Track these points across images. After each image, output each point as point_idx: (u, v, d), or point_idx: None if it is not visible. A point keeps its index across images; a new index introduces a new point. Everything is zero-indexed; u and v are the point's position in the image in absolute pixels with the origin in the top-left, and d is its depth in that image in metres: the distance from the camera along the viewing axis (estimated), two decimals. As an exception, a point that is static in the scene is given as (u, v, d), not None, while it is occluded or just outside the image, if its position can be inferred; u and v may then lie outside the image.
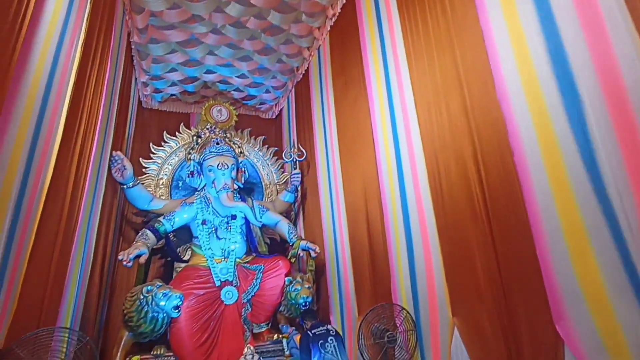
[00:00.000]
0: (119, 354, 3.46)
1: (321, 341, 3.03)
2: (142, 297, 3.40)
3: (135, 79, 5.34)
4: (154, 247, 4.23)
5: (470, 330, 2.39)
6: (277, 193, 5.27)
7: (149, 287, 3.45)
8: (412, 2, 3.15)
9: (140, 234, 4.04)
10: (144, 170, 4.93)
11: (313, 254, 4.19)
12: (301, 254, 4.35)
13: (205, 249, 4.27)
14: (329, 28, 4.85)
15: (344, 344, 3.23)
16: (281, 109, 6.65)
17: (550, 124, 1.99)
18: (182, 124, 5.41)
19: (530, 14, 2.08)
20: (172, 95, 6.15)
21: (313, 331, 3.13)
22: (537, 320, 1.98)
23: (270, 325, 4.24)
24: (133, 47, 4.86)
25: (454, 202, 2.59)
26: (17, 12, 1.87)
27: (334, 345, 3.03)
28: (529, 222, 2.05)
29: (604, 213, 1.72)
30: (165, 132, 5.22)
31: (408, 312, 2.91)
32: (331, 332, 3.14)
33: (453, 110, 2.66)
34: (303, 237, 4.66)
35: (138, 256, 3.62)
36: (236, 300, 3.98)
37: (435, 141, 2.81)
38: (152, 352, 3.70)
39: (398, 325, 2.90)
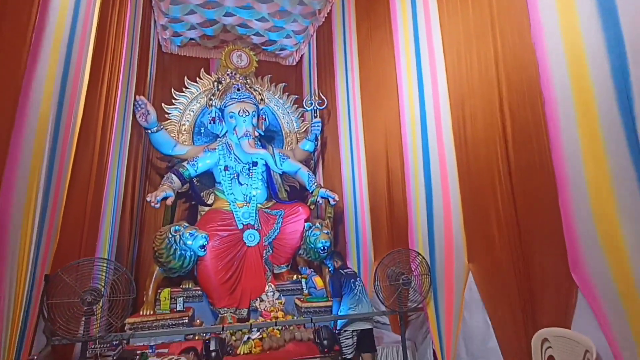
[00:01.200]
0: (151, 285, 3.75)
1: (352, 279, 3.24)
2: (170, 236, 3.61)
3: (155, 21, 5.23)
4: (179, 191, 4.41)
5: (485, 276, 2.47)
6: (297, 142, 5.30)
7: (177, 227, 3.65)
8: None
9: (165, 177, 4.19)
10: (166, 115, 4.99)
11: (332, 202, 4.29)
12: (320, 202, 4.46)
13: (228, 194, 4.42)
14: (354, -34, 4.56)
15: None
16: (302, 56, 6.46)
17: (586, 70, 1.90)
18: (202, 69, 5.36)
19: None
20: (191, 39, 6.03)
21: (344, 271, 3.35)
22: (552, 266, 2.03)
23: (290, 267, 4.48)
24: (151, -13, 4.72)
25: (476, 149, 2.56)
26: None
27: (361, 285, 3.24)
28: (553, 171, 2.03)
29: (635, 166, 1.68)
30: (185, 77, 5.19)
31: (423, 257, 3.01)
32: (357, 275, 3.38)
33: (483, 53, 2.55)
34: (322, 186, 4.75)
35: (165, 198, 3.79)
36: (258, 243, 4.19)
37: (463, 87, 2.72)
38: (181, 286, 4.00)
39: (413, 269, 3.02)
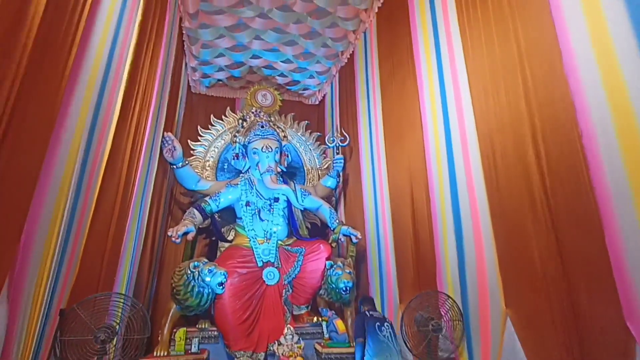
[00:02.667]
0: (167, 324, 3.63)
1: (378, 323, 3.04)
2: (189, 272, 3.54)
3: (186, 64, 5.51)
4: (200, 226, 4.39)
5: (527, 322, 2.24)
6: (319, 178, 5.26)
7: (196, 263, 3.57)
8: (469, -24, 2.96)
9: (187, 212, 4.19)
10: (191, 152, 5.10)
11: (354, 240, 4.14)
12: (342, 239, 4.32)
13: (248, 230, 4.36)
14: (376, 9, 4.71)
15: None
16: (324, 95, 6.61)
17: (628, 101, 1.80)
18: (227, 108, 5.52)
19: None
20: (219, 80, 6.29)
21: (370, 313, 3.15)
22: (604, 314, 1.82)
23: (310, 307, 4.27)
24: (184, 32, 5.00)
25: (510, 186, 2.43)
26: (75, 3, 1.99)
27: (390, 331, 3.03)
28: (598, 212, 1.87)
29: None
30: (212, 115, 5.35)
31: (454, 301, 2.79)
32: (387, 319, 3.17)
33: (512, 87, 2.48)
34: (344, 222, 4.62)
35: (186, 233, 3.75)
36: (277, 281, 4.04)
37: (490, 121, 2.64)
38: (197, 326, 3.85)
39: (443, 314, 2.80)
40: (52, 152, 1.95)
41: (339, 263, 4.04)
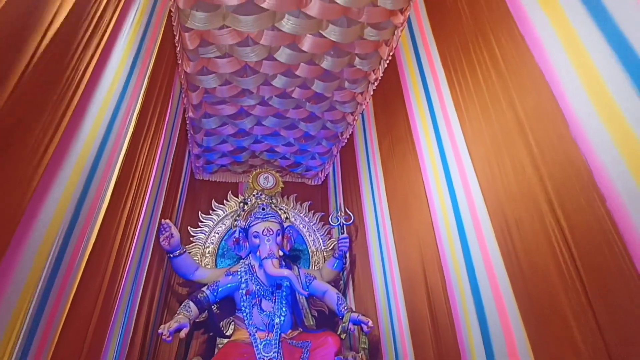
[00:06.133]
0: None
1: None
2: (179, 377, 3.11)
3: (189, 151, 5.63)
4: (197, 320, 4.03)
5: None
6: (324, 260, 4.98)
7: (188, 366, 3.16)
8: (456, 53, 3.06)
9: (182, 305, 3.87)
10: (191, 239, 4.93)
11: (365, 329, 3.71)
12: (352, 329, 3.89)
13: (248, 324, 3.98)
14: (371, 92, 4.90)
15: None
16: (327, 175, 6.62)
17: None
18: (230, 192, 5.48)
19: (594, 37, 1.86)
20: (222, 165, 6.38)
21: None
22: None
23: (319, 413, 3.67)
24: (188, 122, 5.18)
25: (531, 260, 2.17)
26: (70, 81, 1.97)
27: None
28: (637, 274, 1.61)
29: None
30: (213, 200, 5.29)
31: (487, 405, 2.34)
32: None
33: (517, 156, 2.37)
34: (354, 309, 4.22)
35: (178, 330, 3.41)
36: (281, 383, 3.54)
37: (499, 193, 2.48)
38: None
39: (476, 421, 2.33)
40: (14, 251, 1.67)
41: (350, 357, 3.58)
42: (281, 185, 5.43)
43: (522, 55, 2.35)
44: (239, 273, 4.27)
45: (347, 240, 4.80)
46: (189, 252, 4.55)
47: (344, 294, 4.92)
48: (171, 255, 4.27)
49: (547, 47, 2.18)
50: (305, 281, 4.30)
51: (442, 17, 3.38)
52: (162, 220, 4.15)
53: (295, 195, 5.69)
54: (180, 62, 4.16)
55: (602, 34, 1.84)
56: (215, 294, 4.07)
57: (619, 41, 1.76)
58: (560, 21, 2.10)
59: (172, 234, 4.20)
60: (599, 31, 1.85)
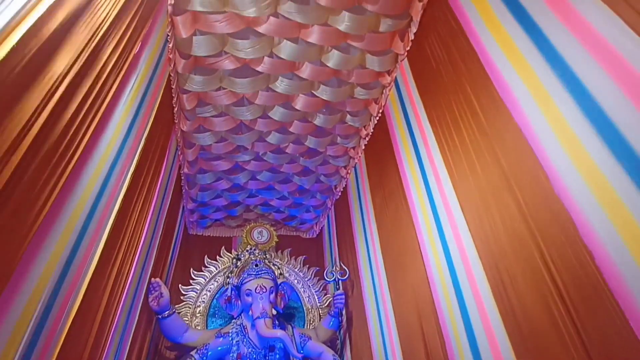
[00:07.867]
0: None
1: None
2: None
3: (183, 206, 5.63)
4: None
5: None
6: (320, 318, 4.80)
7: None
8: (441, 111, 3.20)
9: (169, 372, 3.66)
10: (182, 297, 4.77)
11: (364, 395, 3.50)
12: (350, 395, 3.67)
13: (239, 391, 3.73)
14: (363, 147, 5.04)
15: None
16: (322, 228, 6.59)
17: (629, 216, 1.68)
18: (223, 247, 5.41)
19: (564, 97, 1.97)
20: (216, 220, 6.35)
21: None
22: None
23: None
24: (183, 177, 5.24)
25: (528, 315, 2.12)
26: (69, 144, 2.03)
27: None
28: (633, 333, 1.57)
29: None
30: (206, 256, 5.20)
31: None
32: None
33: (507, 212, 2.39)
34: (351, 372, 4.00)
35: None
36: None
37: (491, 246, 2.47)
38: None
39: None
40: (14, 284, 1.68)
41: None
42: (275, 239, 5.37)
43: (501, 113, 2.46)
44: (230, 335, 4.09)
45: (343, 296, 4.67)
46: (179, 312, 4.38)
47: (341, 355, 4.69)
48: (160, 316, 4.11)
49: (523, 106, 2.29)
50: (300, 342, 4.11)
51: (427, 77, 3.58)
52: (152, 279, 4.05)
53: (289, 249, 5.62)
54: (177, 121, 4.30)
55: (570, 95, 1.95)
56: (204, 358, 3.86)
57: (582, 95, 1.86)
58: (531, 80, 2.23)
59: (161, 294, 4.07)
60: (567, 92, 1.97)
